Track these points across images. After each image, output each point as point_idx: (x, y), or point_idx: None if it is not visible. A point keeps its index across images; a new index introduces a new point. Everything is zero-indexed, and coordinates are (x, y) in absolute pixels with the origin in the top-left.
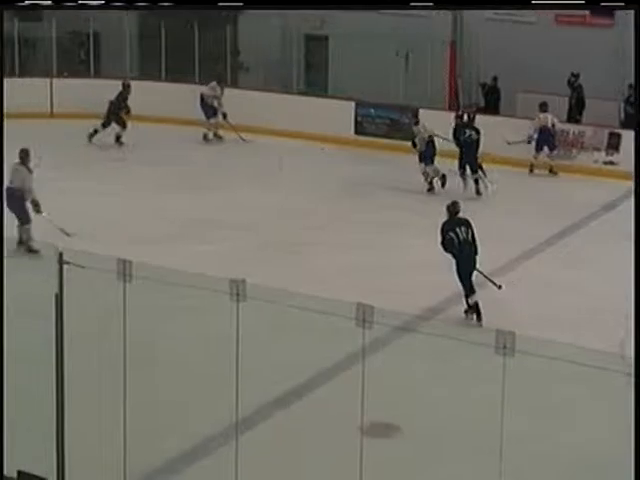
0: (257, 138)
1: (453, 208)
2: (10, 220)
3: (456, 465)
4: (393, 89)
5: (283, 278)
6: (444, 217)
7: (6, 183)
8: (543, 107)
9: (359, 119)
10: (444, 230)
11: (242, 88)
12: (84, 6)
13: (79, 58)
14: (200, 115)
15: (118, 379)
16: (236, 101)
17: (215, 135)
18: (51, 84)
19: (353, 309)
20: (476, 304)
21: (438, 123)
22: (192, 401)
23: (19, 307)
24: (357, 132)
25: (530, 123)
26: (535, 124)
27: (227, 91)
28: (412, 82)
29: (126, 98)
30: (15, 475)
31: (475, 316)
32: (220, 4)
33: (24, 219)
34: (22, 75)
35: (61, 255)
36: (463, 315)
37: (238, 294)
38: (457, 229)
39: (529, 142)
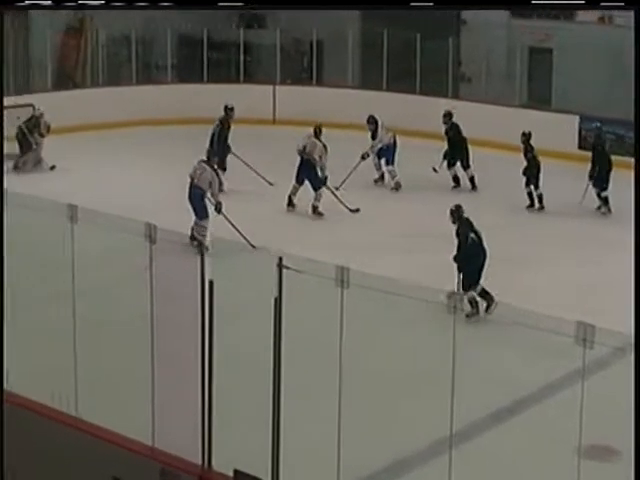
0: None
1: (461, 211)
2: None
3: None
4: (619, 103)
5: (499, 293)
6: None
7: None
8: None
9: (583, 133)
10: (464, 233)
11: (463, 99)
12: (84, 6)
13: (302, 66)
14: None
15: (333, 384)
16: (457, 112)
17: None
18: (274, 91)
19: (573, 327)
20: (483, 290)
21: None
22: (405, 411)
23: (234, 309)
24: (580, 147)
25: None
26: None
27: (447, 102)
28: None
29: None
30: (231, 474)
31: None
32: (220, 4)
33: (202, 215)
34: (246, 81)
35: (281, 259)
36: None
37: (455, 307)
38: (474, 229)
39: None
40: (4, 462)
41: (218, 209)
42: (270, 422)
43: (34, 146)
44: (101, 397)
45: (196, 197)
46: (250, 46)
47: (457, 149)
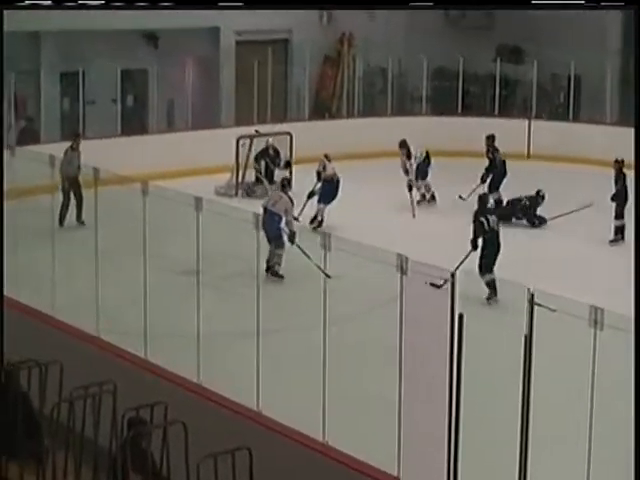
0: None
1: (485, 199)
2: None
3: None
4: None
5: None
6: None
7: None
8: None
9: None
10: (476, 217)
11: None
12: (84, 6)
13: (558, 101)
14: None
15: (583, 429)
16: None
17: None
18: (529, 125)
19: None
20: (493, 281)
21: None
22: None
23: (482, 343)
24: None
25: None
26: None
27: None
28: None
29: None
30: None
31: (493, 294)
32: (220, 4)
33: (279, 244)
34: (501, 115)
35: (533, 296)
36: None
37: None
38: (488, 216)
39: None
40: None
41: (292, 239)
42: (517, 465)
43: (257, 173)
44: (348, 423)
45: (272, 224)
46: (506, 79)
47: (497, 173)
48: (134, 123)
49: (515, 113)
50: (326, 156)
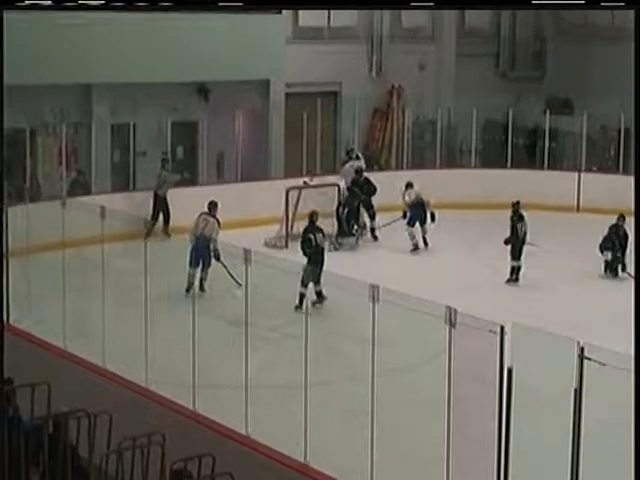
0: None
1: (315, 217)
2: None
3: None
4: None
5: None
6: None
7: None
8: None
9: None
10: (305, 233)
11: None
12: (84, 6)
13: (608, 153)
14: None
15: None
16: None
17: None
18: (579, 178)
19: None
20: (321, 291)
21: None
22: None
23: (532, 395)
24: None
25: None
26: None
27: None
28: None
29: None
30: None
31: (320, 301)
32: (220, 4)
33: (207, 264)
34: (550, 167)
35: (582, 350)
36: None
37: None
38: (315, 234)
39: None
40: None
41: (217, 256)
42: None
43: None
44: (395, 476)
45: (203, 246)
46: (555, 132)
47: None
48: (184, 175)
49: (565, 165)
50: (409, 184)
